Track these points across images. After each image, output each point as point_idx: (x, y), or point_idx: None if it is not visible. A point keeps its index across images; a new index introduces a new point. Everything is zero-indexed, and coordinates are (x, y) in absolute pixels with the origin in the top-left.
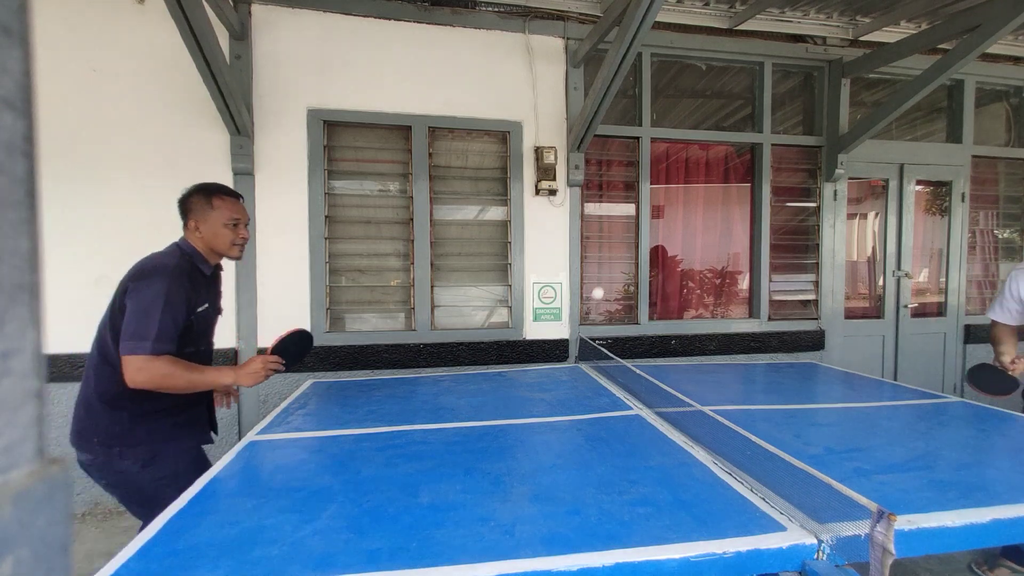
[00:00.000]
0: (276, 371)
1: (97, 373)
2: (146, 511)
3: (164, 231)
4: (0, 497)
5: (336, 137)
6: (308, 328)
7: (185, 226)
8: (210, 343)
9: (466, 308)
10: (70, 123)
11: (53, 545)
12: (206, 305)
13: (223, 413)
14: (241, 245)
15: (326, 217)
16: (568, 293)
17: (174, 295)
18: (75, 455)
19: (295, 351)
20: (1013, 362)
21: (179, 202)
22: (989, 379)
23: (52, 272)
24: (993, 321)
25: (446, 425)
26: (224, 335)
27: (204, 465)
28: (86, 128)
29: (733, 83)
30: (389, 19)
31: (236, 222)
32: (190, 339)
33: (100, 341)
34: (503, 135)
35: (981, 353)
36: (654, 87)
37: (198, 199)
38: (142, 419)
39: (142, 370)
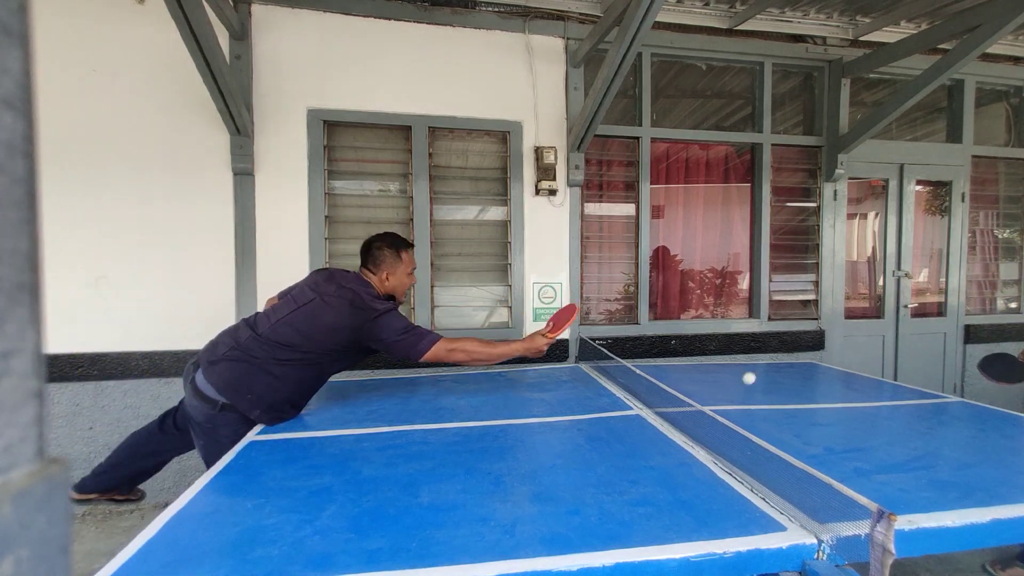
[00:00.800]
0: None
1: (278, 352)
2: (212, 454)
3: (164, 231)
4: (0, 497)
5: (336, 137)
6: None
7: (369, 270)
8: None
9: (466, 308)
10: (70, 123)
11: (53, 545)
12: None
13: None
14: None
15: (326, 217)
16: (568, 293)
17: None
18: (200, 392)
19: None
20: None
21: (365, 247)
22: (1000, 368)
23: (52, 272)
24: None
25: (446, 425)
26: None
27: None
28: (86, 128)
29: (733, 83)
30: (389, 19)
31: (413, 270)
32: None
33: (289, 334)
34: (503, 135)
35: (981, 353)
36: (654, 87)
37: (389, 253)
38: (296, 396)
39: (448, 351)
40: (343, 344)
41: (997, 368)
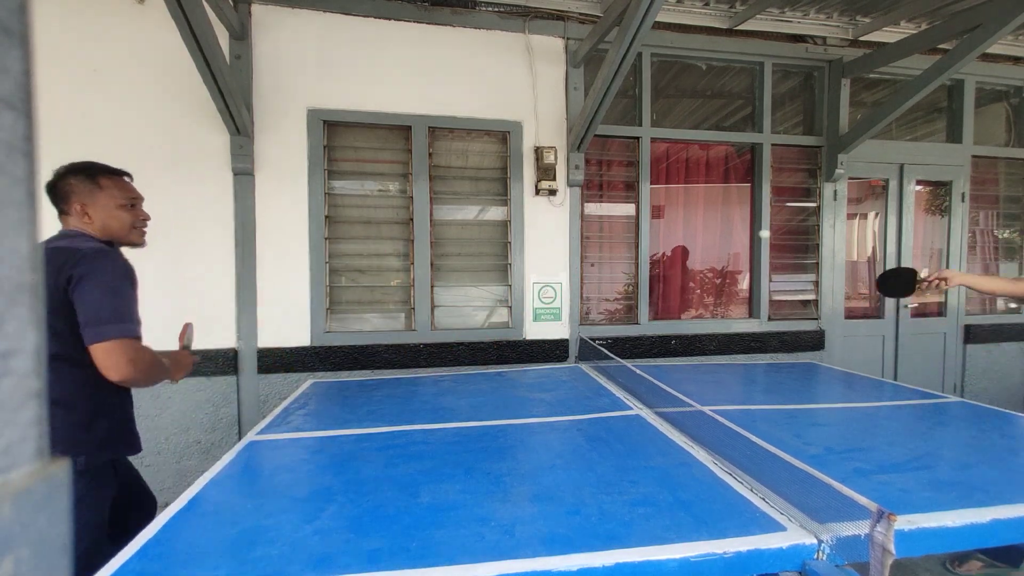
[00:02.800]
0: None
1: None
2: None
3: (164, 231)
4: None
5: (336, 137)
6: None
7: (63, 213)
8: None
9: (466, 308)
10: (70, 123)
11: (53, 545)
12: None
13: (223, 412)
14: (143, 229)
15: (326, 217)
16: (568, 293)
17: (133, 280)
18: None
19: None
20: (940, 274)
21: (48, 187)
22: (894, 283)
23: None
24: None
25: (446, 425)
26: (224, 335)
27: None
28: (86, 128)
29: (733, 83)
30: (389, 19)
31: (133, 202)
32: None
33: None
34: (503, 135)
35: (981, 353)
36: (654, 87)
37: (78, 180)
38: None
39: (132, 360)
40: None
41: (891, 283)
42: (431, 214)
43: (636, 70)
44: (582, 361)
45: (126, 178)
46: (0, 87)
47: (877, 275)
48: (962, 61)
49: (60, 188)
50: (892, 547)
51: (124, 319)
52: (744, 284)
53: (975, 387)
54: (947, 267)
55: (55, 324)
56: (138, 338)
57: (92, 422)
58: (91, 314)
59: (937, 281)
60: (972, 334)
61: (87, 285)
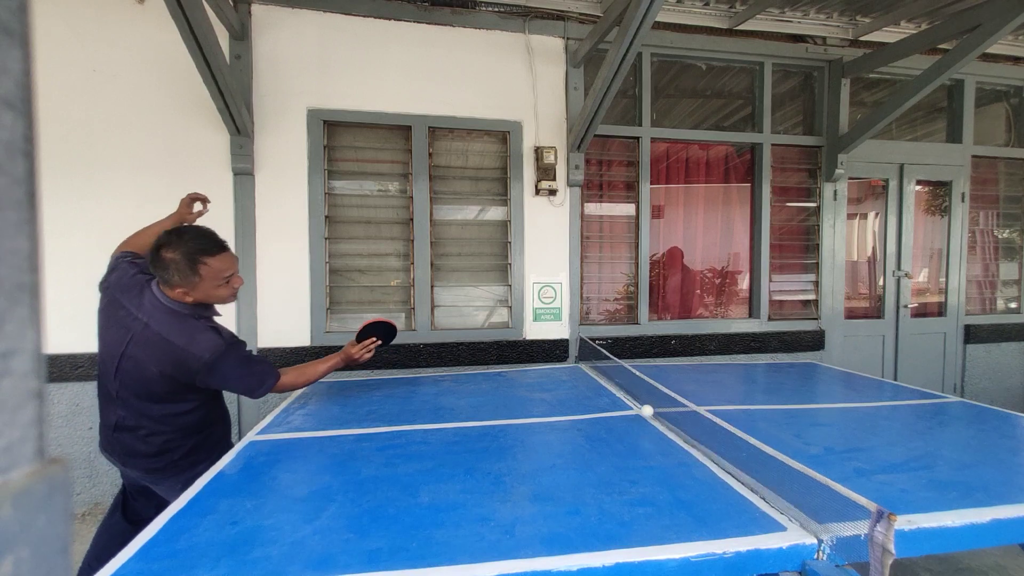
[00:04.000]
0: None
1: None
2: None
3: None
4: (0, 497)
5: (336, 137)
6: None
7: (168, 285)
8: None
9: (466, 308)
10: (70, 123)
11: (53, 545)
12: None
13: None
14: (235, 294)
15: (326, 217)
16: (568, 293)
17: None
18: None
19: (381, 333)
20: None
21: (152, 254)
22: None
23: (52, 272)
24: None
25: (446, 425)
26: None
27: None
28: (86, 128)
29: (733, 83)
30: (389, 19)
31: (229, 278)
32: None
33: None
34: (503, 135)
35: (981, 353)
36: (654, 87)
37: (178, 266)
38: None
39: (279, 387)
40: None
41: None
42: (431, 214)
43: (636, 70)
44: (582, 361)
45: (225, 253)
46: (0, 87)
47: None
48: (962, 61)
49: (162, 259)
50: (892, 547)
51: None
52: (744, 284)
53: (975, 387)
54: (947, 267)
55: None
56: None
57: None
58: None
59: None
60: (972, 334)
61: (217, 376)
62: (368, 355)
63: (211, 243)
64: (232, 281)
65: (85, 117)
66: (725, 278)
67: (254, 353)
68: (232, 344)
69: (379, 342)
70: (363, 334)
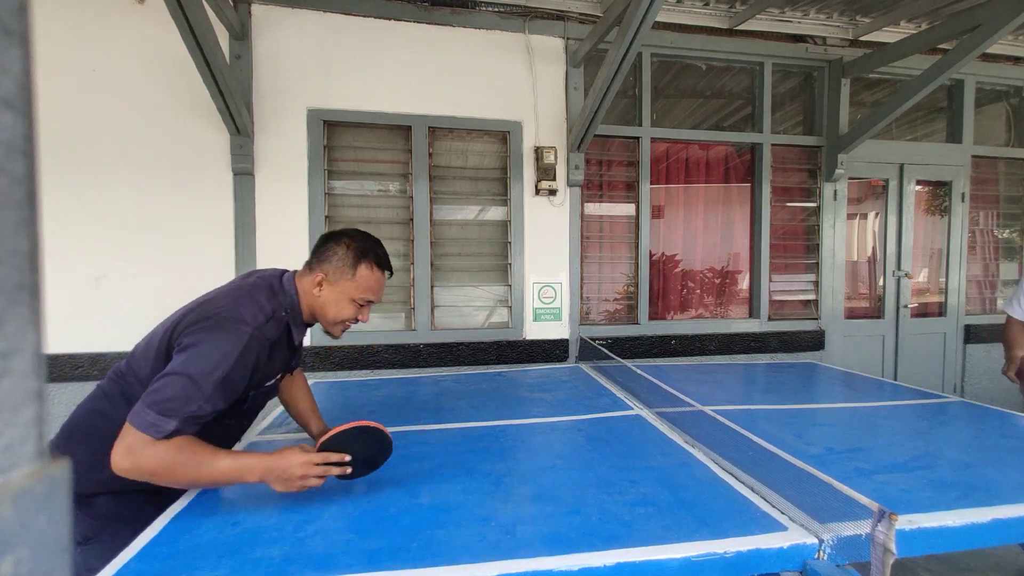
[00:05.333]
0: (326, 476)
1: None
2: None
3: (164, 231)
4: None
5: (336, 137)
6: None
7: (308, 266)
8: (254, 418)
9: (466, 308)
10: (70, 123)
11: (53, 545)
12: (278, 376)
13: None
14: (349, 327)
15: (326, 217)
16: (568, 293)
17: (247, 360)
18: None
19: (363, 452)
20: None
21: (322, 238)
22: None
23: (52, 272)
24: (1008, 318)
25: (446, 425)
26: None
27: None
28: (86, 128)
29: (733, 83)
30: (389, 19)
31: (369, 302)
32: (236, 413)
33: (121, 377)
34: (503, 135)
35: (981, 353)
36: (654, 87)
37: (344, 254)
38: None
39: (132, 455)
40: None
41: None
42: (431, 214)
43: (636, 70)
44: (582, 361)
45: (387, 277)
46: (0, 87)
47: None
48: (962, 61)
49: (326, 248)
50: (893, 547)
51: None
52: (744, 284)
53: (975, 387)
54: (947, 267)
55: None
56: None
57: None
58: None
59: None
60: (972, 334)
61: (178, 352)
62: (317, 482)
63: (387, 260)
64: (364, 310)
65: (85, 117)
66: (725, 278)
67: (217, 385)
68: (240, 354)
69: (348, 469)
70: (336, 441)
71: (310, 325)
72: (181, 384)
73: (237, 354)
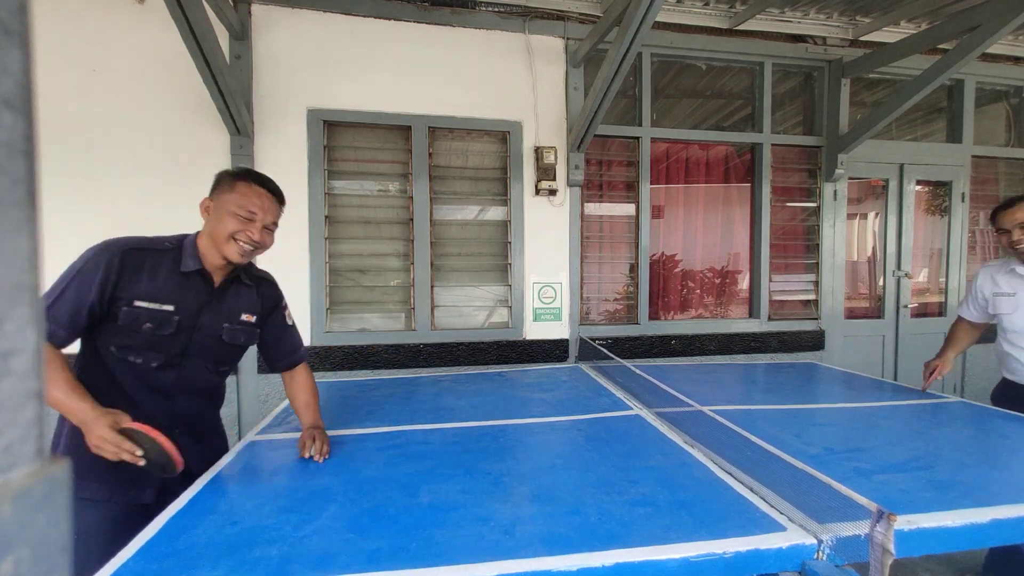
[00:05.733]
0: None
1: None
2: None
3: (164, 231)
4: (0, 497)
5: (336, 137)
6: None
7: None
8: (186, 367)
9: (466, 308)
10: (70, 123)
11: (53, 545)
12: (169, 308)
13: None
14: (245, 244)
15: (326, 217)
16: (568, 293)
17: (91, 270)
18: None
19: (156, 459)
20: (932, 365)
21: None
22: None
23: (52, 272)
24: (959, 317)
25: (446, 425)
26: None
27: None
28: (86, 128)
29: (733, 83)
30: (389, 19)
31: (252, 216)
32: (127, 342)
33: None
34: (503, 135)
35: (981, 353)
36: (654, 87)
37: (222, 176)
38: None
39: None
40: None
41: None
42: (431, 214)
43: (636, 70)
44: (582, 361)
45: (274, 200)
46: (0, 87)
47: None
48: (962, 61)
49: (215, 181)
50: (892, 547)
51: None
52: (744, 284)
53: (975, 387)
54: (947, 267)
55: None
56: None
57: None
58: None
59: (936, 377)
60: None
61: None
62: (109, 455)
63: (262, 176)
64: (251, 225)
65: (85, 117)
66: (725, 278)
67: (54, 301)
68: (79, 270)
69: (140, 453)
70: (139, 436)
71: (220, 262)
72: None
73: (76, 271)
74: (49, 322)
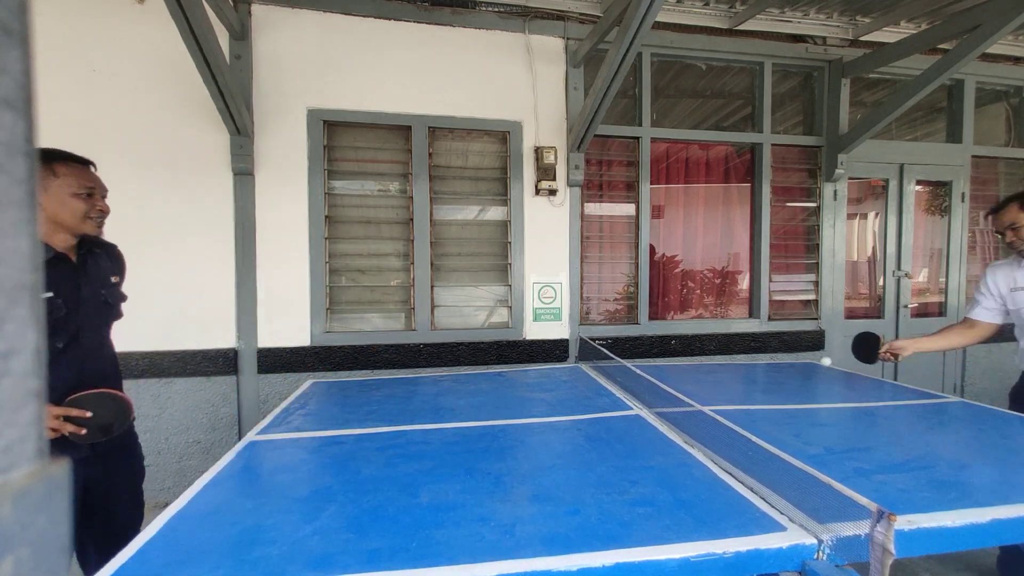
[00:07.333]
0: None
1: None
2: None
3: (164, 230)
4: (0, 497)
5: (336, 137)
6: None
7: None
8: (83, 338)
9: (466, 308)
10: (70, 123)
11: (53, 545)
12: (50, 294)
13: (223, 412)
14: (98, 218)
15: (326, 217)
16: (568, 293)
17: None
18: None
19: (103, 416)
20: (892, 349)
21: None
22: (861, 346)
23: None
24: (965, 319)
25: (446, 425)
26: (224, 335)
27: None
28: (86, 128)
29: (733, 83)
30: (389, 19)
31: (90, 191)
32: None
33: None
34: (503, 135)
35: (981, 353)
36: (654, 87)
37: (40, 169)
38: None
39: None
40: None
41: (862, 349)
42: (431, 214)
43: (636, 70)
44: (582, 361)
45: (91, 167)
46: (0, 87)
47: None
48: (962, 61)
49: None
50: (892, 547)
51: None
52: (744, 284)
53: (975, 387)
54: (947, 267)
55: None
56: None
57: None
58: None
59: (890, 356)
60: None
61: None
62: (47, 433)
63: (74, 156)
64: (94, 199)
65: (85, 117)
66: (725, 278)
67: None
68: None
69: (83, 430)
70: (82, 401)
71: (69, 241)
72: None
73: None
74: None
